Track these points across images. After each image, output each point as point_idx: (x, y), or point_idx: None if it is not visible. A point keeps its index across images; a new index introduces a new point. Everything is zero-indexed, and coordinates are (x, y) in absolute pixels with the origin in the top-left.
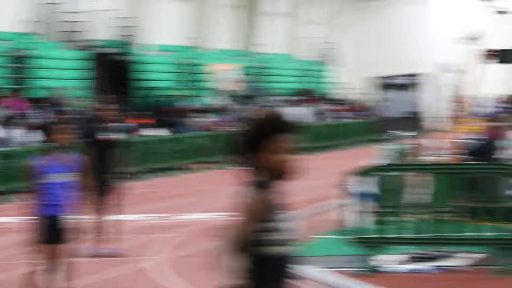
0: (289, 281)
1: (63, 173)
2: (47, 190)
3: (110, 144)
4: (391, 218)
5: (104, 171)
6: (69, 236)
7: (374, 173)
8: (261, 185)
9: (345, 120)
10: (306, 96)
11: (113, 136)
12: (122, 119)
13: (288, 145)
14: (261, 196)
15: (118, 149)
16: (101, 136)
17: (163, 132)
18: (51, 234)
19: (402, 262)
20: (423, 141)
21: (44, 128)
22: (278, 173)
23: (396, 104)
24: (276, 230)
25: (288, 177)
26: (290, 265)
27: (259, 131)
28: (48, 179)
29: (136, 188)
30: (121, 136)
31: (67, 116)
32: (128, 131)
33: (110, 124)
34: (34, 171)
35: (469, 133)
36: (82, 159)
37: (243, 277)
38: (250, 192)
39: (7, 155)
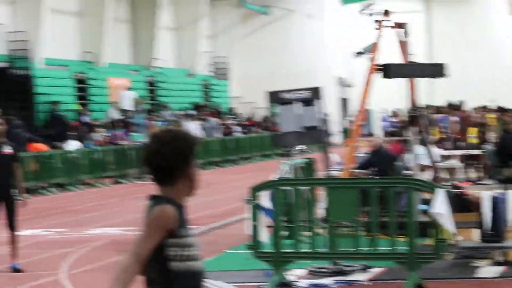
0: None
1: None
2: None
3: (9, 158)
4: (287, 233)
5: (5, 185)
6: None
7: (268, 188)
8: (168, 200)
9: (239, 135)
10: (204, 110)
11: (7, 150)
12: (16, 132)
13: (196, 162)
14: (171, 210)
15: (15, 164)
16: (2, 150)
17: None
18: None
19: (302, 277)
20: (321, 156)
21: None
22: (191, 189)
23: (291, 119)
24: (188, 245)
25: (194, 193)
26: (202, 280)
27: (181, 149)
28: None
29: (32, 203)
30: (15, 151)
31: None
32: (21, 145)
33: (3, 139)
34: None
35: (363, 147)
36: None
37: None
38: (156, 207)
39: None
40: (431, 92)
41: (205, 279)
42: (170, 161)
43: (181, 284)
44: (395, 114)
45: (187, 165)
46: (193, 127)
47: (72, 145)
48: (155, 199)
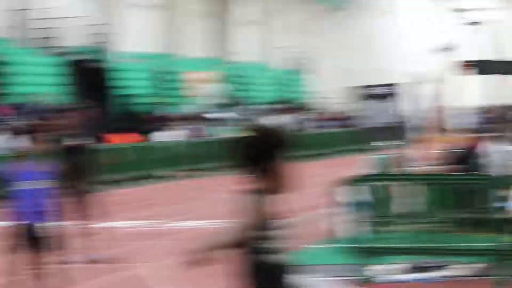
0: None
1: (38, 180)
2: (22, 197)
3: (80, 150)
4: (384, 228)
5: (78, 177)
6: (49, 244)
7: (364, 182)
8: (259, 193)
9: (327, 130)
10: (285, 105)
11: (82, 142)
12: (95, 124)
13: (289, 157)
14: (258, 203)
15: (88, 156)
16: (70, 142)
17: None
18: (29, 241)
19: (397, 272)
20: (407, 151)
21: (20, 133)
22: (281, 184)
23: (376, 114)
24: (273, 238)
25: (287, 189)
26: (286, 274)
27: (269, 143)
28: (24, 186)
29: (113, 196)
30: (90, 142)
31: (42, 122)
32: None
33: (78, 130)
34: (7, 178)
35: (449, 143)
36: (56, 165)
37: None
38: (247, 200)
39: None
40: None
41: (289, 273)
42: (252, 154)
43: (267, 276)
44: (486, 110)
45: (270, 159)
46: (283, 122)
47: (159, 137)
48: (246, 192)
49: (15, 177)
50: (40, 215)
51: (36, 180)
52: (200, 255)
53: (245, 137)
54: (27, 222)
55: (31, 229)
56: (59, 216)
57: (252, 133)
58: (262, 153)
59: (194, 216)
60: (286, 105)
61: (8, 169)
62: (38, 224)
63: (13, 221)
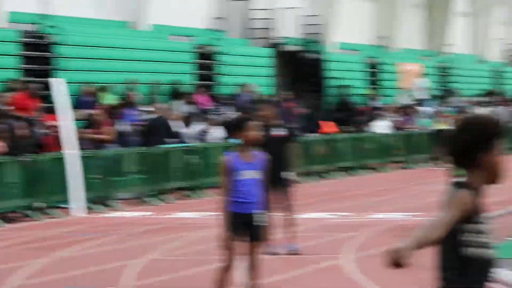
0: (489, 284)
1: (253, 171)
2: (240, 187)
3: (283, 141)
4: None
5: (279, 168)
6: (261, 233)
7: None
8: (467, 186)
9: None
10: (496, 97)
11: (277, 133)
12: (303, 115)
13: (501, 149)
14: (468, 196)
15: (291, 146)
16: (274, 132)
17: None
18: (244, 230)
19: None
20: None
21: (233, 124)
22: (493, 176)
23: None
24: (482, 232)
25: (500, 180)
26: (493, 268)
27: (483, 135)
28: (241, 176)
29: (319, 187)
30: (295, 133)
31: (253, 112)
32: (313, 127)
33: (282, 121)
34: (228, 167)
35: None
36: (266, 156)
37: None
38: (455, 192)
39: (189, 151)
40: None
41: (495, 268)
42: (464, 146)
43: (473, 270)
44: None
45: (483, 151)
46: (495, 113)
47: (380, 127)
48: (455, 185)
49: (234, 167)
50: (255, 205)
51: (252, 171)
52: (403, 256)
53: (457, 128)
54: (243, 211)
55: (247, 219)
56: (267, 206)
57: (464, 124)
58: (473, 145)
59: (397, 208)
60: (500, 97)
61: (227, 159)
62: (253, 214)
63: (229, 210)
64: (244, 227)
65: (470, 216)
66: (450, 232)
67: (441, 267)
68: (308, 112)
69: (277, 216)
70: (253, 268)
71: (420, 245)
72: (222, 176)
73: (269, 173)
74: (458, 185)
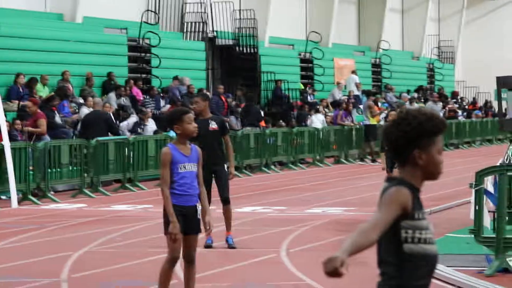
0: (431, 280)
1: (191, 163)
2: (180, 179)
3: (217, 134)
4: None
5: (210, 161)
6: (198, 226)
7: (493, 173)
8: (404, 182)
9: (462, 119)
10: (426, 93)
11: (213, 126)
12: (252, 107)
13: (439, 145)
14: (405, 192)
15: (225, 138)
16: (208, 126)
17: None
18: (184, 224)
19: None
20: None
21: (170, 117)
22: (429, 173)
23: None
24: (421, 227)
25: (435, 178)
26: (434, 264)
27: (422, 130)
28: (181, 168)
29: (253, 180)
30: (227, 126)
31: (185, 105)
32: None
33: (209, 116)
34: (169, 159)
35: None
36: (199, 150)
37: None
38: (391, 188)
39: (123, 144)
40: None
41: (437, 263)
42: (397, 142)
43: (414, 266)
44: None
45: (417, 147)
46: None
47: (315, 121)
48: (390, 181)
49: (174, 159)
50: (194, 197)
51: (190, 163)
52: (340, 264)
53: (392, 123)
54: (184, 204)
55: (187, 212)
56: (203, 200)
57: (399, 119)
58: (406, 140)
59: (332, 203)
60: (433, 93)
61: (168, 151)
62: (193, 207)
63: (173, 202)
64: (182, 220)
65: (408, 213)
66: (389, 228)
67: (380, 262)
68: (248, 105)
69: (213, 209)
70: (190, 262)
71: (357, 250)
72: (163, 168)
73: (204, 166)
74: (395, 181)
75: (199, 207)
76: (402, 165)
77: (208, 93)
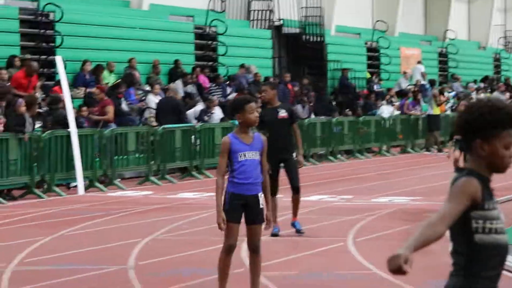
0: (503, 271)
1: (252, 151)
2: (240, 168)
3: (286, 122)
4: None
5: (279, 151)
6: (260, 215)
7: None
8: (473, 172)
9: None
10: (493, 83)
11: (282, 115)
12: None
13: (511, 141)
14: (474, 182)
15: (293, 126)
16: (278, 114)
17: None
18: (242, 212)
19: None
20: None
21: (233, 105)
22: (496, 165)
23: None
24: (493, 217)
25: (502, 172)
26: (505, 254)
27: (498, 119)
28: (240, 157)
29: (320, 169)
30: (297, 115)
31: (251, 94)
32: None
33: (278, 104)
34: (228, 148)
35: None
36: (263, 138)
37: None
38: (460, 178)
39: (190, 131)
40: None
41: (508, 254)
42: (461, 130)
43: (485, 256)
44: None
45: (479, 137)
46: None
47: (383, 111)
48: (460, 171)
49: (234, 148)
50: (255, 186)
51: (251, 152)
52: (405, 261)
53: (460, 112)
54: (243, 193)
55: (247, 201)
56: (265, 188)
57: (467, 108)
58: (471, 129)
59: (399, 192)
60: (500, 83)
61: (228, 140)
62: (254, 196)
63: (230, 191)
64: (242, 209)
65: (478, 203)
66: (459, 219)
67: (452, 252)
68: (321, 94)
69: (280, 197)
70: (254, 251)
71: (424, 244)
72: (220, 157)
73: (272, 155)
74: (465, 171)
75: (261, 197)
76: (469, 154)
77: (276, 82)
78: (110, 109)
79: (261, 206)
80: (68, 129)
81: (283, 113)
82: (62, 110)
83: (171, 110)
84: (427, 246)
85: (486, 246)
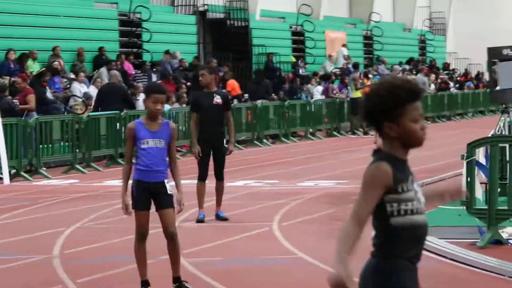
0: (422, 251)
1: (157, 139)
2: (144, 155)
3: (216, 109)
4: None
5: (211, 136)
6: (168, 201)
7: (484, 144)
8: (386, 155)
9: (453, 91)
10: (421, 65)
11: (217, 100)
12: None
13: (419, 113)
14: (385, 166)
15: (226, 113)
16: (214, 100)
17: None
18: (149, 199)
19: None
20: None
21: (143, 91)
22: (410, 142)
23: (510, 75)
24: (408, 199)
25: (418, 146)
26: (426, 233)
27: (396, 97)
28: (145, 144)
29: (246, 154)
30: (226, 101)
31: (167, 80)
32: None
33: (215, 89)
34: (131, 135)
35: None
36: (172, 126)
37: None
38: (372, 164)
39: (113, 119)
40: None
41: (427, 234)
42: (374, 109)
43: (402, 238)
44: None
45: (385, 119)
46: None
47: (309, 94)
48: (375, 154)
49: (138, 135)
50: (160, 173)
51: (156, 139)
52: (344, 280)
53: (367, 94)
54: (148, 180)
55: (152, 187)
56: (174, 174)
57: (373, 89)
58: (378, 110)
59: (325, 176)
60: (423, 65)
61: (132, 127)
62: (159, 182)
63: (136, 179)
64: (150, 196)
65: (391, 188)
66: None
67: (373, 236)
68: (259, 80)
69: (206, 184)
70: (171, 237)
71: (350, 252)
72: (127, 143)
73: (204, 140)
74: (377, 155)
75: (168, 183)
76: (382, 137)
77: (215, 65)
78: (32, 98)
79: (168, 192)
80: None
81: (218, 99)
82: (8, 97)
83: (119, 97)
84: (356, 245)
85: (402, 228)
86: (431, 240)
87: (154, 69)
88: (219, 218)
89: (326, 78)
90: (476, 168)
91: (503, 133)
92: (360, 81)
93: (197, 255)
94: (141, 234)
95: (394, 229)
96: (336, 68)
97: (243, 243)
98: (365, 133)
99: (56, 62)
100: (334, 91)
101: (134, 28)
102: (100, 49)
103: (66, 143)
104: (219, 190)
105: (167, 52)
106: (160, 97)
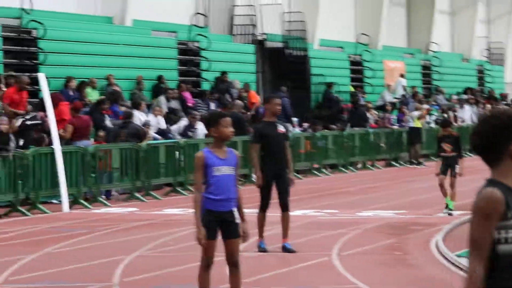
0: None
1: (227, 167)
2: (216, 183)
3: (280, 138)
4: None
5: (275, 166)
6: (236, 230)
7: None
8: (495, 183)
9: None
10: (473, 96)
11: (281, 129)
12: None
13: None
14: (494, 194)
15: (286, 143)
16: (278, 129)
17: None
18: (218, 228)
19: None
20: None
21: (207, 120)
22: None
23: None
24: None
25: None
26: None
27: (490, 128)
28: (215, 172)
29: (304, 184)
30: (288, 130)
31: (230, 109)
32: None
33: (276, 118)
34: (202, 163)
35: None
36: (237, 154)
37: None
38: (481, 192)
39: (172, 147)
40: None
41: None
42: (486, 140)
43: (508, 267)
44: None
45: (507, 143)
46: (468, 112)
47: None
48: (486, 183)
49: (208, 162)
50: (231, 202)
51: (226, 167)
52: None
53: (479, 123)
54: (219, 209)
55: (223, 216)
56: (243, 203)
57: (493, 116)
58: (483, 138)
59: (384, 206)
60: (478, 96)
61: (202, 155)
62: (229, 211)
63: (206, 207)
64: (218, 225)
65: (503, 213)
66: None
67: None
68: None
69: (270, 214)
70: (234, 265)
71: (480, 261)
72: (196, 172)
73: (270, 170)
74: (488, 183)
75: (236, 212)
76: (496, 163)
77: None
78: (70, 128)
79: (236, 221)
80: (52, 146)
81: (281, 128)
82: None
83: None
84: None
85: (508, 255)
86: None
87: (213, 98)
88: (286, 250)
89: (389, 107)
90: None
91: None
92: (420, 112)
93: (257, 284)
94: (209, 263)
95: (500, 257)
96: (394, 98)
97: (302, 272)
98: (418, 163)
99: (117, 88)
100: (392, 121)
101: (193, 57)
102: (159, 77)
103: (125, 172)
104: (286, 221)
105: (221, 81)
106: (230, 120)
